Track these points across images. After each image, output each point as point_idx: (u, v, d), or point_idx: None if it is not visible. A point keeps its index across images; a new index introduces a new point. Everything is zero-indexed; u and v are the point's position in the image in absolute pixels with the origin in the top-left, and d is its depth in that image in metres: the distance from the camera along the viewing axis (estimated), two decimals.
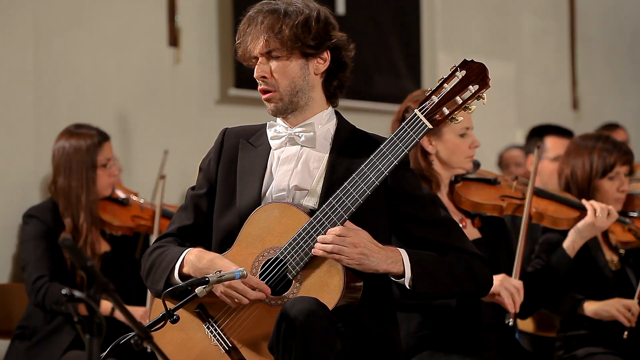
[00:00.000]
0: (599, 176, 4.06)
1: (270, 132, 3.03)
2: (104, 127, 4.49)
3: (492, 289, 3.49)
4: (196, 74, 5.61)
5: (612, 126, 6.64)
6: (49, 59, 4.95)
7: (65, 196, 4.28)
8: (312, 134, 2.98)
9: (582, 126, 7.05)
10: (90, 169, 4.31)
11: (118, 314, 4.08)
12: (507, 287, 3.55)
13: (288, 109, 2.98)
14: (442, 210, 3.05)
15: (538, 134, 5.51)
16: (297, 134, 2.99)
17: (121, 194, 4.51)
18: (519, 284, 3.59)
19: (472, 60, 2.86)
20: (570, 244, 3.88)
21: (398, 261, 2.88)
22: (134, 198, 4.53)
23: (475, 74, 2.85)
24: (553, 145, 5.40)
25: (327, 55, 2.97)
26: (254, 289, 2.84)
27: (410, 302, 3.07)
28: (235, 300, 2.84)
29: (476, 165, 3.85)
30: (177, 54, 5.50)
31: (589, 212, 3.85)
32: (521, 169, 6.12)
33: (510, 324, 3.60)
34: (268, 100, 2.98)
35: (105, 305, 4.07)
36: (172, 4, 5.47)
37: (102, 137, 4.37)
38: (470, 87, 2.84)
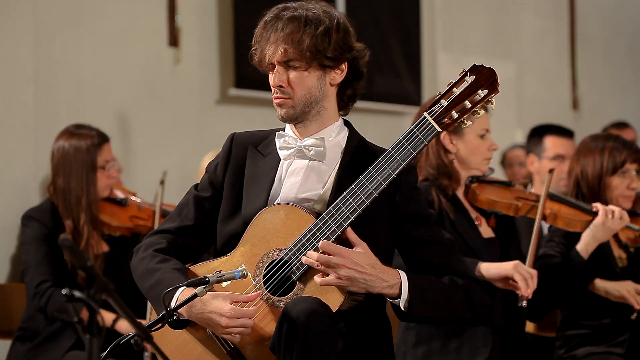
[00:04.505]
0: (609, 173, 4.07)
1: (279, 142, 2.99)
2: (104, 127, 4.49)
3: (506, 273, 3.57)
4: (196, 74, 5.60)
5: (621, 125, 6.64)
6: (49, 59, 4.95)
7: (64, 197, 4.25)
8: (322, 149, 2.94)
9: (582, 126, 7.05)
10: (90, 170, 4.27)
11: (119, 325, 4.05)
12: (521, 272, 3.57)
13: (299, 118, 2.94)
14: (444, 232, 3.06)
15: (538, 133, 5.52)
16: (306, 147, 2.95)
17: (120, 194, 4.49)
18: (533, 271, 3.61)
19: (482, 65, 2.86)
20: (584, 246, 3.90)
21: (395, 285, 2.85)
22: (132, 198, 4.51)
23: (484, 79, 2.84)
24: (552, 145, 5.42)
25: (344, 66, 2.96)
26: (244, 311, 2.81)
27: (403, 321, 3.05)
28: (238, 335, 2.81)
29: (491, 170, 3.90)
30: (177, 54, 5.50)
31: (600, 213, 3.87)
32: (525, 169, 6.13)
33: (524, 305, 3.59)
34: (280, 105, 2.93)
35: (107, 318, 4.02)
36: (172, 4, 5.47)
37: (102, 139, 4.35)
38: (480, 91, 2.84)
